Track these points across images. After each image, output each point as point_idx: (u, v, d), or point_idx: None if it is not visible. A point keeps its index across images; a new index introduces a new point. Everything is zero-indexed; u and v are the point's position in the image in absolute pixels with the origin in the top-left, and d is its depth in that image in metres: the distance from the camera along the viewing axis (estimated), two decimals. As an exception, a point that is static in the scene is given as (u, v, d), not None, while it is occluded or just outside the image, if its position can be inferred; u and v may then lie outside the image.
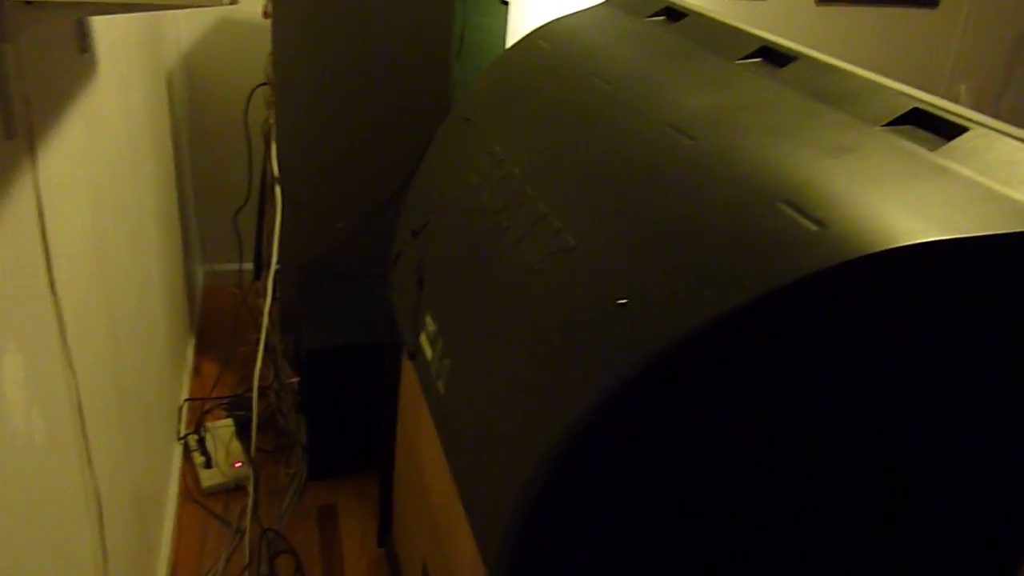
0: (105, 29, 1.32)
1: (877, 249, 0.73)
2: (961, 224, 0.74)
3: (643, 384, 0.78)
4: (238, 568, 1.69)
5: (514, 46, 1.50)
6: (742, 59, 1.16)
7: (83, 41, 1.12)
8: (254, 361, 2.11)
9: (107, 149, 1.29)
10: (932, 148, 0.86)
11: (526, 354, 0.95)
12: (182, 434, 1.98)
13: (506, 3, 1.99)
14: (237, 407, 2.09)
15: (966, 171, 0.81)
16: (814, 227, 0.77)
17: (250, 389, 2.06)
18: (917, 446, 0.83)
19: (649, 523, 0.83)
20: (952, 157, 0.84)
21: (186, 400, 2.09)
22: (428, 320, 1.23)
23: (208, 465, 1.90)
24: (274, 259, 1.90)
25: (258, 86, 2.07)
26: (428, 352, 1.21)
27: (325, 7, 1.81)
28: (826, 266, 0.73)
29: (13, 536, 0.80)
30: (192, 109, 2.39)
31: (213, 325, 2.47)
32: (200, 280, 2.61)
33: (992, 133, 0.86)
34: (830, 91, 1.01)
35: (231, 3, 0.88)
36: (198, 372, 2.27)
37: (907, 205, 0.77)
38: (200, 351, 2.35)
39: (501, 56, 1.49)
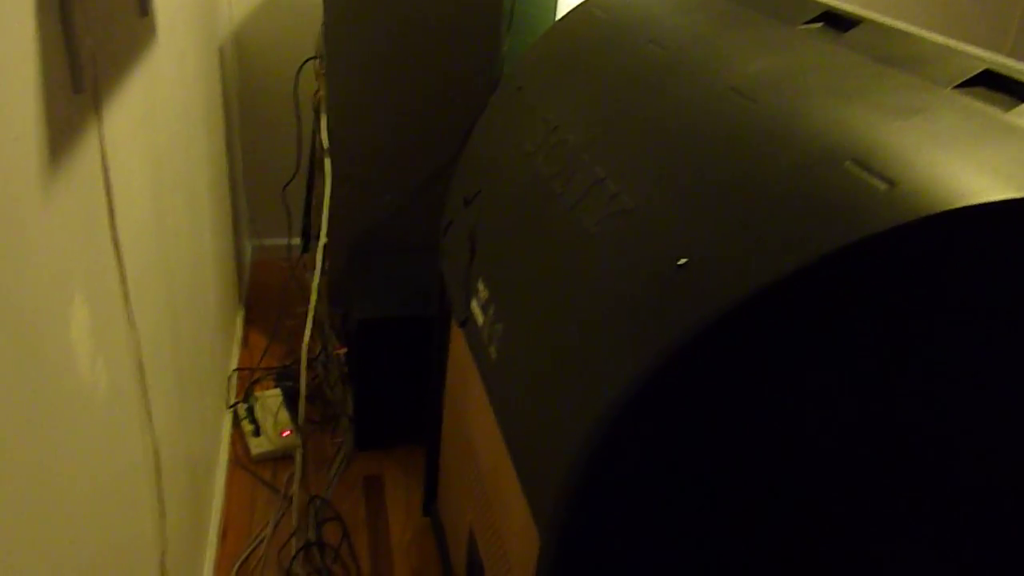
0: (164, 5, 1.34)
1: (951, 207, 0.71)
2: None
3: (705, 345, 0.77)
4: (286, 533, 1.71)
5: (567, 15, 1.49)
6: (804, 24, 1.14)
7: (143, 3, 1.14)
8: (301, 334, 2.14)
9: (165, 115, 1.31)
10: (1005, 109, 0.84)
11: (582, 316, 0.94)
12: (232, 403, 2.01)
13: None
14: (285, 378, 2.12)
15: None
16: (884, 185, 0.76)
17: (298, 360, 2.09)
18: (984, 421, 0.81)
19: (707, 485, 0.82)
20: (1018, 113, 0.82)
21: (235, 370, 2.12)
22: (480, 286, 1.23)
23: (257, 433, 1.93)
24: (323, 232, 1.92)
25: (308, 59, 2.09)
26: (479, 318, 1.21)
27: (377, -21, 1.82)
28: (899, 223, 0.71)
29: (78, 481, 0.82)
30: (242, 83, 2.42)
31: (261, 299, 2.50)
32: (249, 254, 2.65)
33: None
34: (896, 55, 0.99)
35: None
36: (246, 344, 2.30)
37: (980, 165, 0.75)
38: (248, 323, 2.38)
39: (554, 25, 1.48)
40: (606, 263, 0.95)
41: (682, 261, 0.84)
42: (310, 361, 2.17)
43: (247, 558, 1.65)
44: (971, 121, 0.82)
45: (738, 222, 0.83)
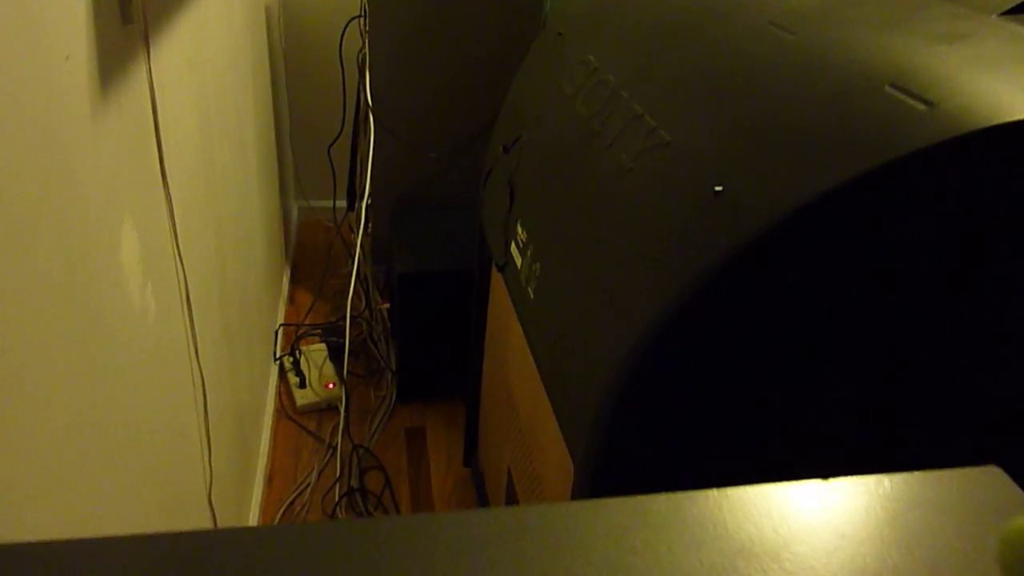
0: (211, -54, 1.36)
1: (992, 123, 0.70)
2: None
3: (739, 270, 0.78)
4: (329, 480, 1.75)
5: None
6: (849, -39, 1.12)
7: (192, -52, 1.16)
8: (346, 292, 2.18)
9: (212, 61, 1.34)
10: (1051, 32, 0.82)
11: (617, 250, 0.95)
12: (278, 356, 2.06)
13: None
14: (330, 333, 2.16)
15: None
16: (923, 107, 0.75)
17: (342, 317, 2.13)
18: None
19: (732, 411, 0.83)
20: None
21: (281, 325, 2.17)
22: (519, 229, 1.25)
23: (302, 385, 1.98)
24: (367, 189, 1.94)
25: (353, 18, 2.10)
26: (518, 261, 1.23)
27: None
28: (938, 140, 0.71)
29: (130, 404, 0.85)
30: (288, 43, 2.45)
31: (307, 258, 2.55)
32: (295, 213, 2.69)
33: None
34: (943, -15, 0.97)
35: None
36: (292, 301, 2.34)
37: (1021, 84, 0.73)
38: (294, 282, 2.43)
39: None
40: (642, 196, 0.95)
41: (718, 188, 0.84)
42: (355, 318, 2.20)
43: (292, 502, 1.70)
44: (1013, 44, 0.81)
45: (775, 148, 0.82)
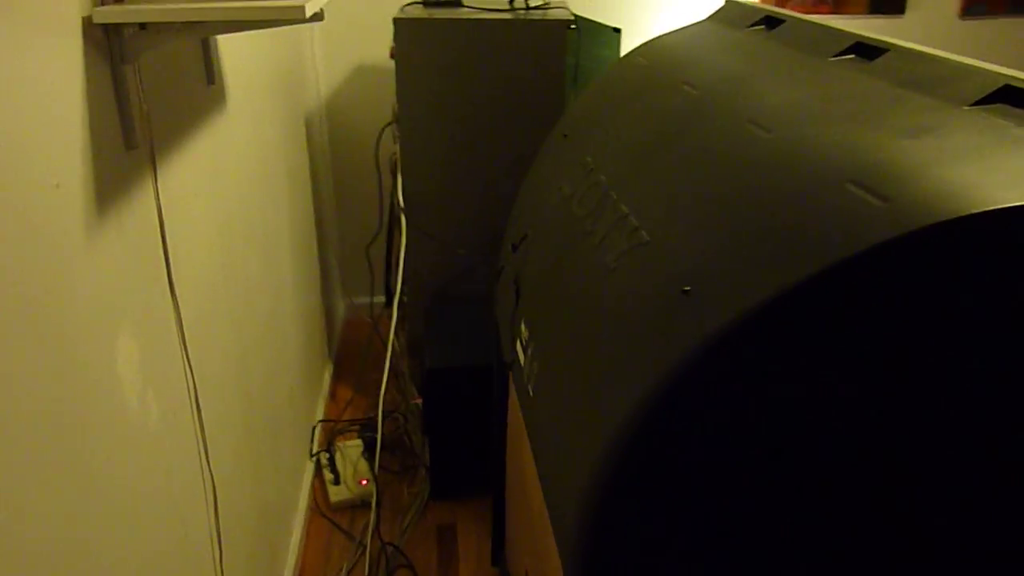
0: (237, 71, 1.46)
1: (943, 219, 0.69)
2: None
3: (703, 366, 0.77)
4: (358, 579, 1.75)
5: (615, 64, 1.53)
6: (835, 56, 1.14)
7: (209, 74, 1.25)
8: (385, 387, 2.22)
9: (235, 175, 1.42)
10: (1019, 122, 0.81)
11: (601, 349, 0.95)
12: (314, 452, 2.09)
13: (618, 31, 2.02)
14: (367, 429, 2.19)
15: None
16: (879, 203, 0.75)
17: (376, 413, 2.16)
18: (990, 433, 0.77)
19: (717, 506, 0.81)
20: (1038, 128, 0.79)
21: (320, 421, 2.21)
22: (523, 328, 1.26)
23: (337, 482, 2.00)
24: (399, 286, 1.99)
25: (387, 124, 2.20)
26: (521, 359, 1.24)
27: (442, 46, 1.92)
28: (888, 238, 0.70)
29: (131, 502, 0.88)
30: (333, 149, 2.57)
31: (351, 354, 2.60)
32: (341, 312, 2.77)
33: (1089, 103, 0.80)
34: (920, 78, 0.97)
35: (312, 19, 0.96)
36: (334, 397, 2.39)
37: (982, 178, 0.73)
38: (337, 378, 2.48)
39: (603, 75, 1.52)
40: (623, 295, 0.96)
41: (686, 288, 0.85)
42: (392, 413, 2.23)
43: (320, 602, 1.70)
44: (980, 136, 0.80)
45: (740, 247, 0.83)
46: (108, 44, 0.87)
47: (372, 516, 1.87)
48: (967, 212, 0.68)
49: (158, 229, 1.02)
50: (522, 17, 1.94)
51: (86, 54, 0.82)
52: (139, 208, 0.96)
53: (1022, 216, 0.68)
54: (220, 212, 1.30)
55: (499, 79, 1.96)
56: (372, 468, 2.01)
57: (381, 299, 2.49)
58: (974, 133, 0.81)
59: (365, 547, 1.82)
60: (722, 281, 0.81)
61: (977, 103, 0.88)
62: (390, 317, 1.99)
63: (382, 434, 2.20)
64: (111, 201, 0.88)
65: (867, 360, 0.75)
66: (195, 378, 1.13)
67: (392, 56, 1.96)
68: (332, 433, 2.20)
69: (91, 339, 0.82)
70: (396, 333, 2.20)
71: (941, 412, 0.76)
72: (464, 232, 2.09)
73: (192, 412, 1.12)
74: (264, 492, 1.55)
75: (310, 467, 2.04)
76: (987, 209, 0.68)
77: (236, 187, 1.42)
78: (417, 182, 2.04)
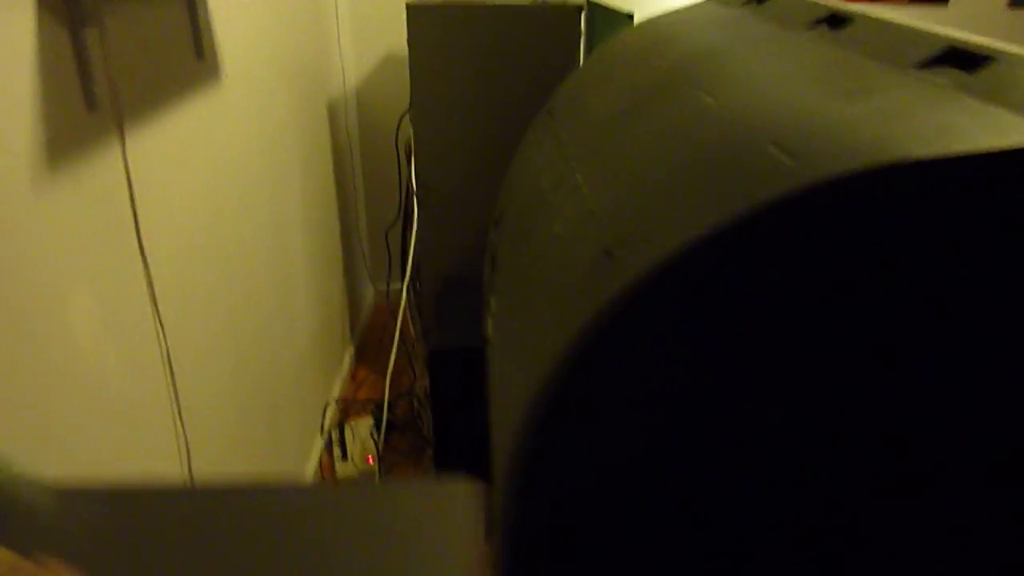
0: (237, 51, 1.51)
1: (839, 173, 0.67)
2: (946, 147, 0.66)
3: (606, 329, 0.77)
4: (355, 552, 1.78)
5: (600, 47, 1.52)
6: (808, 28, 1.11)
7: (198, 49, 1.30)
8: (403, 370, 2.25)
9: (231, 149, 1.46)
10: (958, 83, 0.78)
11: (537, 315, 0.96)
12: (325, 429, 2.13)
13: (631, 17, 2.01)
14: (381, 409, 2.22)
15: (978, 100, 0.73)
16: (790, 161, 0.73)
17: (397, 395, 2.19)
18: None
19: (629, 447, 0.80)
20: (973, 89, 0.76)
21: (336, 400, 2.25)
22: (493, 303, 1.27)
23: (344, 458, 2.03)
24: (408, 270, 2.02)
25: (406, 112, 2.23)
26: (490, 332, 1.25)
27: (454, 32, 1.94)
28: (777, 195, 0.69)
29: (86, 449, 0.92)
30: (361, 137, 2.62)
31: (375, 337, 2.64)
32: (370, 297, 2.81)
33: (1026, 61, 0.76)
34: (877, 44, 0.95)
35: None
36: (354, 378, 2.43)
37: (898, 135, 0.71)
38: (360, 360, 2.52)
39: (592, 54, 1.51)
40: (564, 261, 0.96)
41: (608, 248, 0.85)
42: (406, 395, 2.26)
43: None
44: (912, 96, 0.78)
45: (659, 208, 0.82)
46: (66, 6, 0.92)
47: (373, 492, 1.90)
48: (863, 167, 0.67)
49: (127, 191, 1.06)
50: (535, 3, 1.94)
51: (40, 15, 0.86)
52: (103, 169, 1.00)
53: (925, 171, 0.66)
54: (208, 183, 1.35)
55: (512, 65, 1.97)
56: (377, 446, 2.04)
57: (398, 285, 2.52)
58: (908, 94, 0.79)
59: (365, 522, 1.85)
60: (638, 243, 0.80)
61: (923, 66, 0.85)
62: (409, 302, 2.02)
63: (396, 416, 2.23)
64: (66, 159, 0.92)
65: (767, 320, 0.73)
66: (167, 338, 1.18)
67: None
68: (347, 412, 2.25)
69: (40, 292, 0.86)
70: (412, 318, 2.23)
71: (838, 368, 0.74)
72: (478, 217, 2.10)
73: (165, 371, 1.17)
74: (258, 461, 1.59)
75: (319, 442, 2.09)
76: (882, 164, 0.66)
77: (231, 161, 1.46)
78: (430, 167, 2.07)
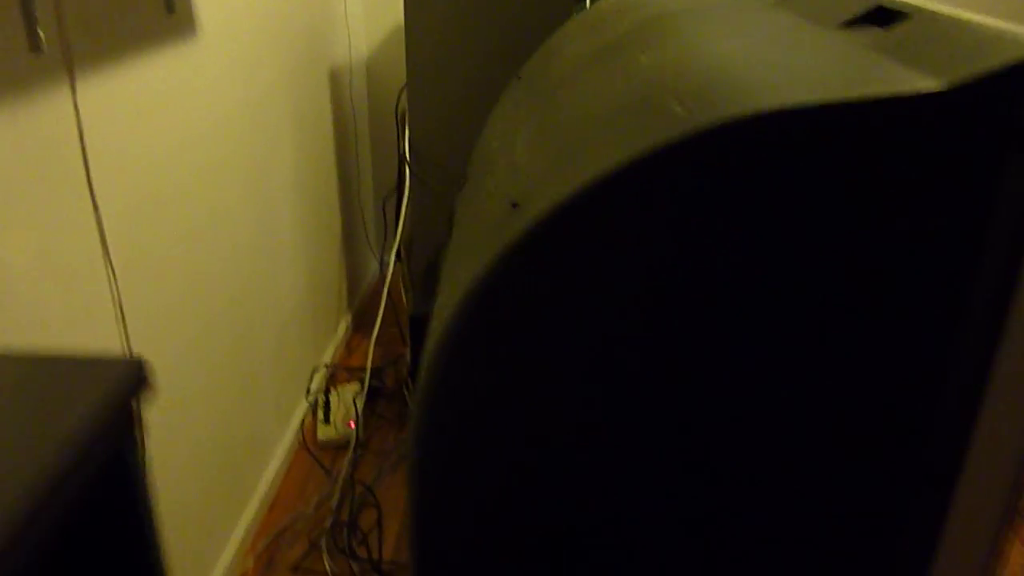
0: (216, 11, 1.53)
1: (715, 122, 0.66)
2: (808, 95, 0.65)
3: (510, 264, 0.77)
4: (326, 512, 1.80)
5: (583, 10, 1.51)
6: (764, -8, 1.09)
7: (169, 3, 1.32)
8: (399, 339, 2.26)
9: (207, 109, 1.48)
10: (873, 39, 0.76)
11: (456, 273, 0.96)
12: (312, 392, 2.16)
13: (628, -11, 1.99)
14: (372, 376, 2.24)
15: (880, 55, 0.71)
16: (683, 112, 0.72)
17: (388, 362, 2.21)
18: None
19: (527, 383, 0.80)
20: (883, 45, 0.74)
21: (326, 365, 2.28)
22: (443, 266, 1.27)
23: (327, 421, 2.06)
24: (397, 238, 2.03)
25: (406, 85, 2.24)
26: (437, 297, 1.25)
27: (450, 6, 1.94)
28: (659, 147, 0.68)
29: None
30: (372, 109, 2.63)
31: (375, 307, 2.67)
32: (374, 267, 2.83)
33: (940, 18, 0.74)
34: (819, 5, 0.92)
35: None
36: (349, 346, 2.46)
37: (778, 86, 0.69)
38: (357, 329, 2.55)
39: (569, 20, 1.50)
40: (488, 220, 0.96)
41: (515, 203, 0.84)
42: (394, 363, 2.28)
43: (284, 531, 1.76)
44: (826, 53, 0.76)
45: (561, 162, 0.81)
46: (6, -52, 0.94)
47: (349, 454, 1.92)
48: (719, 119, 0.65)
49: (77, 137, 1.09)
50: (533, -27, 1.93)
51: (-27, -46, 0.88)
52: (48, 112, 1.02)
53: (771, 122, 0.64)
54: (178, 139, 1.37)
55: (507, 30, 1.96)
56: (368, 413, 2.06)
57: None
58: (816, 51, 0.77)
59: (337, 483, 1.88)
60: (536, 195, 0.80)
61: (847, 24, 0.83)
62: (398, 272, 2.03)
63: (386, 384, 2.25)
64: (1, 96, 0.94)
65: (648, 268, 0.72)
66: (120, 288, 1.20)
67: (406, 10, 1.99)
68: (334, 377, 2.27)
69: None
70: (405, 287, 2.24)
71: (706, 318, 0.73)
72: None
73: (117, 318, 1.19)
74: (228, 418, 1.62)
75: (303, 405, 2.12)
76: (735, 116, 0.64)
77: (208, 120, 1.48)
78: (424, 138, 2.07)
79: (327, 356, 2.32)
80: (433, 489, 0.83)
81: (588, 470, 0.80)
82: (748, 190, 0.67)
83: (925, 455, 0.71)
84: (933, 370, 0.68)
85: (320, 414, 2.09)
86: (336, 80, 2.34)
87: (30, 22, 0.98)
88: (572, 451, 0.79)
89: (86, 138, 1.10)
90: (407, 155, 2.07)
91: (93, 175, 1.12)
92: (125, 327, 1.22)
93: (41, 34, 1.00)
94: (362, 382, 2.23)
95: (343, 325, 2.49)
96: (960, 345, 0.67)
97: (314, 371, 2.20)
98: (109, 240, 1.17)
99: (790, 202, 0.67)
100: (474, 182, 1.24)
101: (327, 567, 1.67)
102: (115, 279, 1.19)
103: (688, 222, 0.70)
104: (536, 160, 0.90)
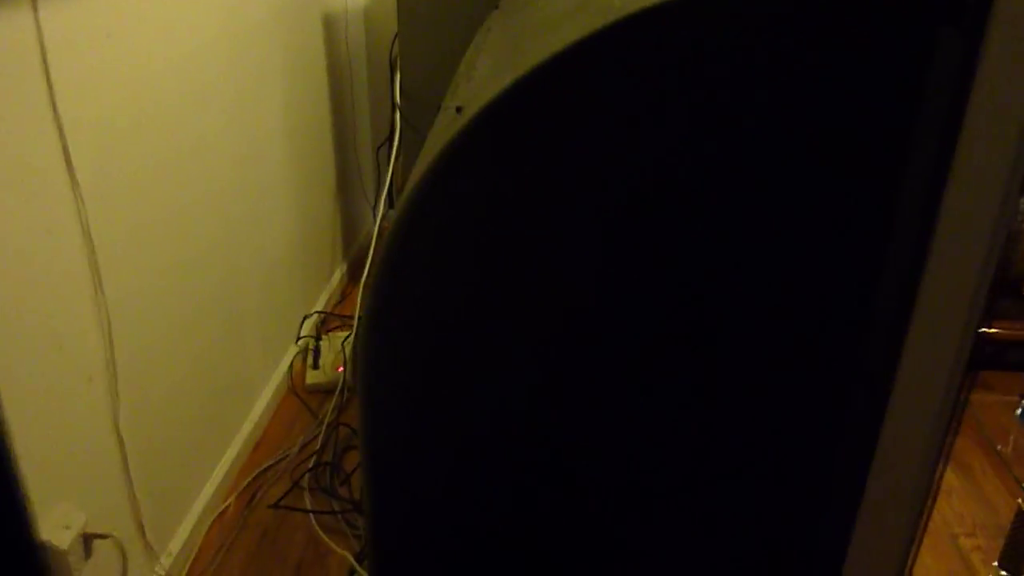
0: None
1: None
2: None
3: (450, 162, 0.77)
4: (310, 453, 1.82)
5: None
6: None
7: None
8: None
9: (186, 41, 1.47)
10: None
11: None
12: (300, 337, 2.17)
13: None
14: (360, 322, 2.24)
15: None
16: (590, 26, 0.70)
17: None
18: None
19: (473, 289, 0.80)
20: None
21: (317, 312, 2.28)
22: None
23: (316, 367, 2.07)
24: (386, 186, 2.02)
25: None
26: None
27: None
28: (595, 32, 0.66)
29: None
30: (370, 58, 2.61)
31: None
32: (376, 216, 2.83)
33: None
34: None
35: None
36: (344, 294, 2.47)
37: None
38: (353, 277, 2.55)
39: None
40: (440, 129, 0.95)
41: (459, 107, 0.84)
42: (387, 312, 2.27)
43: (267, 469, 1.77)
44: None
45: (501, 67, 0.80)
46: None
47: (335, 398, 1.93)
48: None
49: (41, 68, 1.08)
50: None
51: None
52: (6, 26, 1.02)
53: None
54: (151, 70, 1.36)
55: (498, -23, 1.93)
56: (344, 355, 2.07)
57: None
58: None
59: (323, 424, 1.89)
60: (475, 99, 0.79)
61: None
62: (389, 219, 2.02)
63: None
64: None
65: (567, 168, 0.71)
66: (90, 217, 1.20)
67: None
68: (326, 324, 2.28)
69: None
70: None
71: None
72: (460, 134, 2.08)
73: (84, 245, 1.19)
74: (213, 358, 1.63)
75: (293, 350, 2.13)
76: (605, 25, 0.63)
77: (184, 43, 1.46)
78: (415, 82, 2.05)
79: (320, 304, 2.32)
80: (380, 399, 0.83)
81: (516, 371, 0.79)
82: (687, 69, 0.66)
83: (861, 352, 0.69)
84: (871, 255, 0.67)
85: (310, 359, 2.10)
86: (331, 26, 2.32)
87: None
88: (505, 353, 0.79)
89: (49, 59, 1.10)
90: (398, 100, 2.05)
91: (58, 98, 1.12)
92: (94, 250, 1.22)
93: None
94: (350, 329, 2.23)
95: (338, 274, 2.49)
96: (895, 228, 0.65)
97: (305, 317, 2.20)
98: (76, 164, 1.16)
99: (725, 80, 0.65)
100: (440, 109, 1.23)
101: (308, 505, 1.68)
102: (84, 206, 1.19)
103: (626, 108, 0.68)
104: (486, 69, 0.88)
